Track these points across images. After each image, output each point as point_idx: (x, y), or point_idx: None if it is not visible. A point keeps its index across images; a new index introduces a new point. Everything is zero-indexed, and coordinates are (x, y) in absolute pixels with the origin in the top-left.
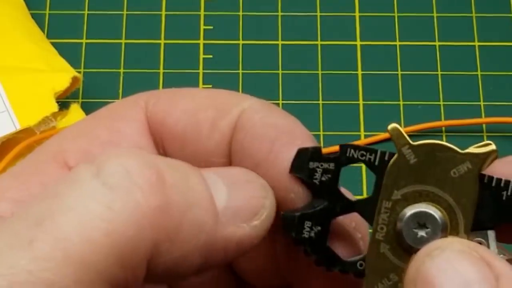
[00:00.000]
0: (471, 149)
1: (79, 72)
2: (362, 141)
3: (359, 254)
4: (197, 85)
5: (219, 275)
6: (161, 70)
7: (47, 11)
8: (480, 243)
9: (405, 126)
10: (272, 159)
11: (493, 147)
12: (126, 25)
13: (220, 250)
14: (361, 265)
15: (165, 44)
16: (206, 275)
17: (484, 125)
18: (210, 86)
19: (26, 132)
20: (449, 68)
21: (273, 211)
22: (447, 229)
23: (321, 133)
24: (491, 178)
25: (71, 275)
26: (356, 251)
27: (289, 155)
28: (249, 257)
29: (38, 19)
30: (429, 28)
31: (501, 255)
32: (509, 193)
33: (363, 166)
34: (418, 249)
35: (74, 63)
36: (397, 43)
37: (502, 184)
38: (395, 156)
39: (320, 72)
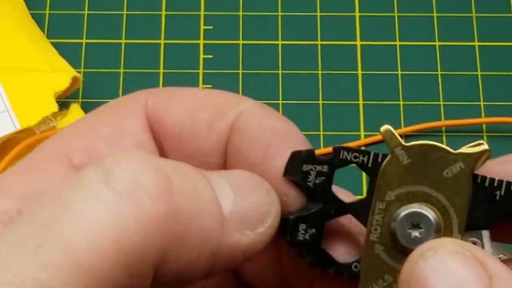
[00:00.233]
0: (464, 149)
1: (79, 72)
2: (362, 141)
3: (355, 256)
4: (197, 85)
5: (223, 276)
6: (161, 70)
7: (47, 11)
8: (474, 243)
9: (405, 126)
10: (266, 162)
11: (485, 146)
12: (126, 25)
13: (225, 256)
14: (356, 266)
15: (165, 44)
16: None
17: (484, 125)
18: (210, 86)
19: (26, 132)
20: (449, 68)
21: (278, 217)
22: (441, 229)
23: (321, 133)
24: (484, 177)
25: (79, 283)
26: (352, 253)
27: (283, 159)
28: (253, 259)
29: (38, 19)
30: (429, 28)
31: (501, 255)
32: (502, 193)
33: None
34: (412, 250)
35: (74, 63)
36: (397, 43)
37: (495, 184)
38: (388, 157)
39: (320, 72)
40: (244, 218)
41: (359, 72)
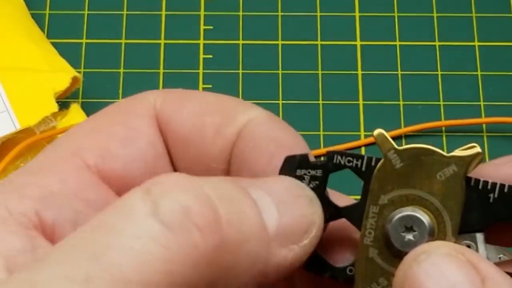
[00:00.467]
0: (456, 152)
1: (79, 72)
2: (362, 141)
3: (350, 259)
4: (197, 85)
5: None
6: (161, 70)
7: (47, 11)
8: (468, 246)
9: (405, 126)
10: (269, 173)
11: (478, 149)
12: (126, 25)
13: (272, 274)
14: (350, 270)
15: (165, 44)
16: None
17: (484, 125)
18: (210, 86)
19: (26, 132)
20: (449, 68)
21: (322, 224)
22: (435, 232)
23: (321, 133)
24: (477, 180)
25: None
26: (347, 257)
27: None
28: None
29: (38, 19)
30: (429, 28)
31: (501, 255)
32: (496, 195)
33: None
34: (406, 253)
35: (74, 63)
36: (397, 43)
37: (489, 187)
38: (381, 161)
39: (320, 72)
40: (289, 233)
41: (359, 72)
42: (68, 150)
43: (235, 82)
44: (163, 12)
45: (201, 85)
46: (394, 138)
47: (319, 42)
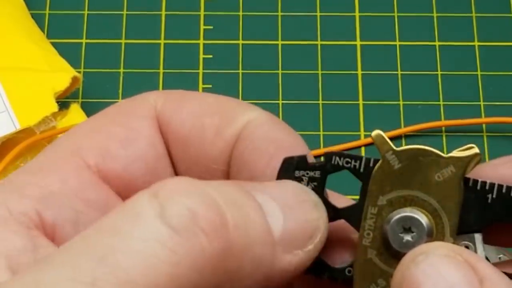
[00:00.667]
0: (454, 153)
1: (79, 72)
2: (362, 141)
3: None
4: (197, 85)
5: None
6: (161, 70)
7: (47, 11)
8: (467, 246)
9: (405, 126)
10: (267, 175)
11: (476, 150)
12: (126, 25)
13: (277, 278)
14: (349, 271)
15: (165, 44)
16: None
17: (484, 125)
18: (210, 86)
19: (26, 132)
20: (449, 68)
21: (326, 230)
22: (433, 233)
23: (321, 133)
24: (476, 181)
25: None
26: (346, 258)
27: None
28: None
29: (38, 19)
30: (429, 28)
31: (501, 255)
32: (494, 196)
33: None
34: (404, 254)
35: (74, 63)
36: (397, 43)
37: (487, 187)
38: (380, 162)
39: (320, 72)
40: (294, 238)
41: (359, 72)
42: (68, 150)
43: (235, 82)
44: (163, 12)
45: (201, 85)
46: (394, 138)
47: (319, 42)
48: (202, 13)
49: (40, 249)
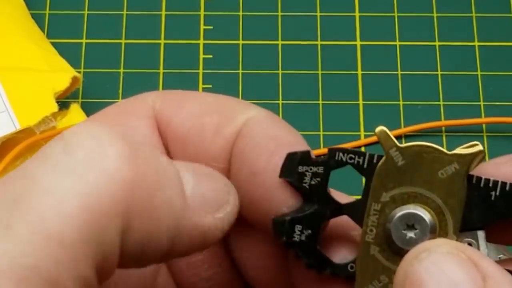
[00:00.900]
0: (458, 150)
1: (79, 72)
2: (362, 141)
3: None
4: (197, 85)
5: (228, 281)
6: (161, 70)
7: (47, 11)
8: (470, 243)
9: (405, 126)
10: (268, 170)
11: (480, 147)
12: (126, 25)
13: (186, 235)
14: (351, 267)
15: (165, 44)
16: (213, 281)
17: (484, 125)
18: (210, 86)
19: (26, 132)
20: (449, 68)
21: (236, 208)
22: (436, 230)
23: (321, 133)
24: (479, 178)
25: (51, 256)
26: (348, 254)
27: None
28: (261, 266)
29: (38, 19)
30: (429, 28)
31: (501, 255)
32: (497, 193)
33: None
34: (407, 251)
35: (74, 63)
36: (397, 43)
37: (490, 184)
38: (383, 158)
39: (320, 72)
40: (204, 201)
41: (359, 72)
42: None
43: (235, 82)
44: (163, 12)
45: (201, 85)
46: None
47: (319, 42)
48: (202, 13)
49: None
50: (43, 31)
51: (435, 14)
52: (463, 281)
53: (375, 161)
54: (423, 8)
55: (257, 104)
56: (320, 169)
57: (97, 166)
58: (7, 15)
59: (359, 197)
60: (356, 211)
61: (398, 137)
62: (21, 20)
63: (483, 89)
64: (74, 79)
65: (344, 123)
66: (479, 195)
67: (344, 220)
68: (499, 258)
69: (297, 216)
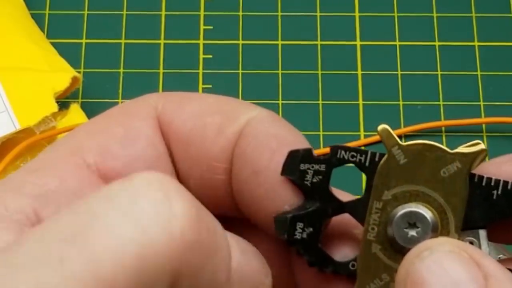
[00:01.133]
0: (460, 149)
1: (79, 72)
2: (361, 141)
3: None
4: (197, 85)
5: None
6: (161, 70)
7: (47, 11)
8: (471, 242)
9: (405, 126)
10: (271, 169)
11: (482, 146)
12: (126, 25)
13: None
14: (353, 265)
15: (165, 44)
16: None
17: (484, 125)
18: (210, 86)
19: (26, 132)
20: (449, 68)
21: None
22: (438, 228)
23: (321, 133)
24: (481, 177)
25: None
26: (350, 252)
27: None
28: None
29: (38, 19)
30: (429, 28)
31: (501, 255)
32: (499, 192)
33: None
34: (409, 249)
35: (74, 63)
36: (397, 43)
37: (492, 183)
38: (385, 156)
39: (320, 72)
40: (244, 279)
41: (359, 72)
42: (68, 149)
43: (235, 82)
44: (163, 12)
45: (201, 85)
46: None
47: (319, 42)
48: (202, 13)
49: None
50: (43, 31)
51: (435, 14)
52: (465, 280)
53: (377, 159)
54: (423, 8)
55: (257, 104)
56: (322, 167)
57: (162, 222)
58: (7, 15)
59: (358, 197)
60: (357, 209)
61: (398, 137)
62: (21, 20)
63: (483, 89)
64: (74, 79)
65: (344, 123)
66: (481, 194)
67: (345, 218)
68: (499, 258)
69: (299, 214)
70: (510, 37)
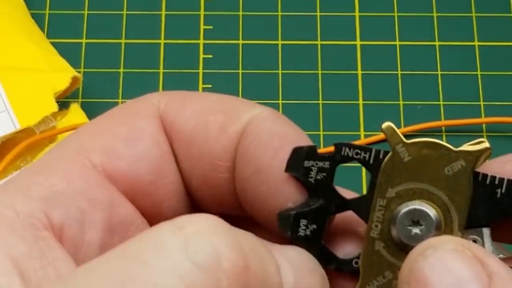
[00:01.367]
0: (465, 147)
1: (79, 72)
2: (361, 141)
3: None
4: (197, 85)
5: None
6: (161, 70)
7: (47, 11)
8: (475, 240)
9: (405, 126)
10: (274, 166)
11: (486, 144)
12: (126, 25)
13: None
14: (356, 262)
15: (165, 44)
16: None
17: (484, 125)
18: (210, 86)
19: (26, 132)
20: (449, 68)
21: None
22: (441, 226)
23: (321, 133)
24: (485, 175)
25: None
26: (353, 249)
27: None
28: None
29: (38, 19)
30: (429, 28)
31: (501, 255)
32: (503, 191)
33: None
34: (412, 247)
35: (74, 63)
36: (397, 43)
37: (496, 182)
38: (389, 154)
39: (320, 72)
40: None
41: (359, 72)
42: (73, 150)
43: (235, 82)
44: (163, 12)
45: (201, 85)
46: None
47: (319, 42)
48: (202, 13)
49: (47, 254)
50: (43, 31)
51: (435, 14)
52: (468, 279)
53: (381, 156)
54: (423, 8)
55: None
56: (326, 164)
57: (211, 279)
58: (7, 15)
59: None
60: (361, 206)
61: None
62: (21, 20)
63: (483, 89)
64: (74, 79)
65: (344, 123)
66: (485, 192)
67: (349, 216)
68: (499, 258)
69: (302, 210)
70: (510, 37)
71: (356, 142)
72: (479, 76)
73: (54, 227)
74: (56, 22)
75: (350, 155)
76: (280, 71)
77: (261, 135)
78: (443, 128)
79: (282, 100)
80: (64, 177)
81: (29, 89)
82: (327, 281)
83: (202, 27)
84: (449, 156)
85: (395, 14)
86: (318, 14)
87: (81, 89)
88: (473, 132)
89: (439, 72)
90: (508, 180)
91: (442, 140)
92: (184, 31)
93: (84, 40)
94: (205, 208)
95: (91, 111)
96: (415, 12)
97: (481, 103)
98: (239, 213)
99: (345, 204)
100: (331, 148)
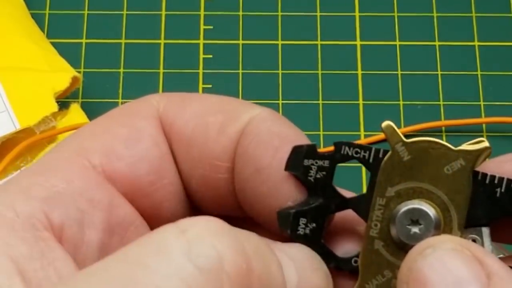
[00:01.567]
0: (464, 146)
1: (79, 72)
2: (361, 141)
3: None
4: (197, 85)
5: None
6: (161, 70)
7: (47, 11)
8: (474, 240)
9: (405, 126)
10: (273, 166)
11: (486, 144)
12: (126, 25)
13: None
14: (355, 261)
15: (165, 44)
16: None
17: (484, 125)
18: (210, 86)
19: (26, 132)
20: (449, 68)
21: None
22: (441, 226)
23: (321, 133)
24: (484, 175)
25: None
26: (353, 248)
27: None
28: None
29: (38, 19)
30: (429, 28)
31: (501, 255)
32: (503, 190)
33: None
34: (411, 246)
35: (74, 63)
36: (397, 43)
37: (496, 181)
38: (389, 153)
39: (320, 72)
40: None
41: (359, 72)
42: (73, 150)
43: (235, 82)
44: (163, 12)
45: (201, 85)
46: None
47: (319, 42)
48: (202, 13)
49: (47, 254)
50: (43, 31)
51: (435, 14)
52: (468, 278)
53: (380, 155)
54: (423, 8)
55: (257, 104)
56: (326, 163)
57: (213, 282)
58: (7, 15)
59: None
60: (361, 205)
61: None
62: (21, 20)
63: (483, 89)
64: (74, 79)
65: (344, 123)
66: (485, 192)
67: (349, 214)
68: (498, 257)
69: (302, 209)
70: (510, 37)
71: (356, 142)
72: (479, 76)
73: (54, 228)
74: (56, 22)
75: (350, 154)
76: (280, 71)
77: (261, 135)
78: (443, 128)
79: (282, 100)
80: (64, 178)
81: (29, 89)
82: (331, 279)
83: (202, 27)
84: (448, 156)
85: (395, 14)
86: (318, 14)
87: (81, 89)
88: (473, 132)
89: (439, 72)
90: (508, 179)
91: (442, 141)
92: (184, 31)
93: (84, 40)
94: (204, 209)
95: (91, 111)
96: (415, 12)
97: (481, 103)
98: (239, 214)
99: (345, 203)
100: (331, 148)
